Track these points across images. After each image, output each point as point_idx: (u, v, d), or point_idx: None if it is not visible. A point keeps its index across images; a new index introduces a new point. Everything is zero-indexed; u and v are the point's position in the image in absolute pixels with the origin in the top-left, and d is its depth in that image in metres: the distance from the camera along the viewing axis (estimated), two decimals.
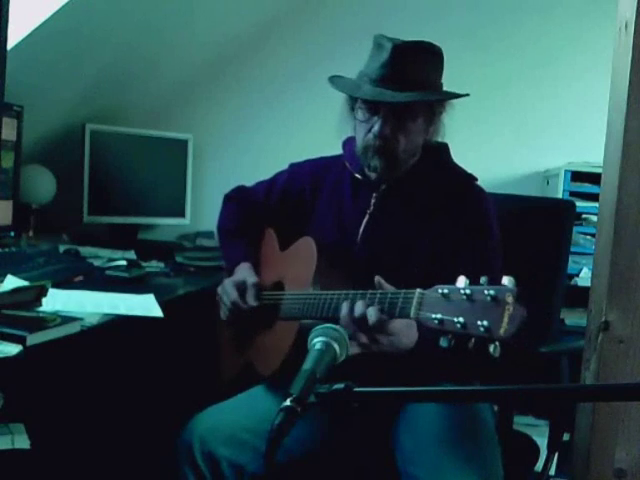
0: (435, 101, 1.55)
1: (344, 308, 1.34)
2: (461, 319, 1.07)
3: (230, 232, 1.85)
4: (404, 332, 1.34)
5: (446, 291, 1.12)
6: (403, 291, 1.26)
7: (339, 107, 1.62)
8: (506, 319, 1.03)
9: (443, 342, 1.10)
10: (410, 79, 1.50)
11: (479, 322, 1.05)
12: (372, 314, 1.29)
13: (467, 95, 1.55)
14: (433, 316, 1.12)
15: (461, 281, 1.10)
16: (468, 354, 1.08)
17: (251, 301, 1.61)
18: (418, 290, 1.20)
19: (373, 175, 1.62)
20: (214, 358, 1.82)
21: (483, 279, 1.07)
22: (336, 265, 1.56)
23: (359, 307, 1.31)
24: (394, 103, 1.50)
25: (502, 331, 1.03)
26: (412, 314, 1.20)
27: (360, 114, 1.56)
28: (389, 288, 1.30)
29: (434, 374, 1.46)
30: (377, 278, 1.31)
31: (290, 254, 1.68)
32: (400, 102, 1.49)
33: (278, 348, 1.52)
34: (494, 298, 1.04)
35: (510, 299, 1.04)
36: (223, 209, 1.91)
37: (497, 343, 1.05)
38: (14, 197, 2.34)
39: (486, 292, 1.05)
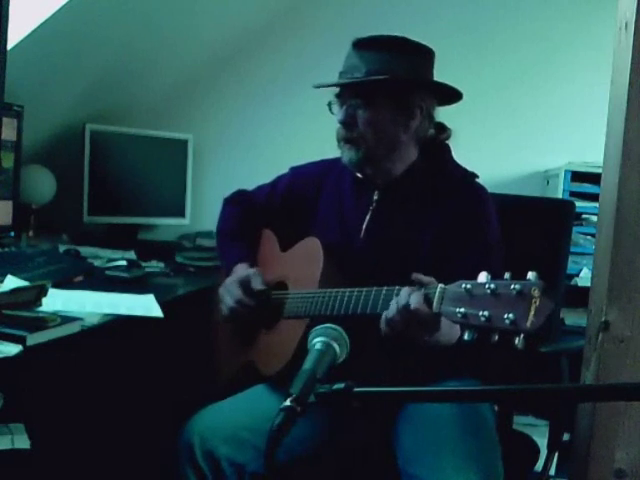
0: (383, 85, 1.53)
1: (401, 299, 1.29)
2: (486, 312, 1.09)
3: (228, 235, 1.85)
4: (449, 328, 1.30)
5: (469, 286, 1.14)
6: (424, 287, 1.26)
7: None
8: (532, 312, 1.06)
9: (467, 335, 1.12)
10: (369, 66, 1.52)
11: (505, 315, 1.07)
12: (415, 300, 1.25)
13: (417, 81, 1.55)
14: (457, 310, 1.13)
15: (483, 276, 1.13)
16: (490, 347, 1.10)
17: (258, 286, 1.61)
18: (440, 285, 1.22)
19: (352, 167, 1.62)
20: (212, 357, 1.82)
21: (507, 274, 1.10)
22: (340, 263, 1.57)
23: (414, 299, 1.26)
24: (340, 85, 1.56)
25: (529, 324, 1.05)
26: (435, 308, 1.21)
27: (334, 110, 1.60)
28: (428, 281, 1.27)
29: (440, 371, 1.47)
30: (414, 275, 1.28)
31: (294, 254, 1.69)
32: (344, 84, 1.55)
33: (284, 347, 1.52)
34: (520, 292, 1.07)
35: (536, 292, 1.06)
36: (222, 212, 1.91)
37: (522, 336, 1.07)
38: (14, 197, 2.34)
39: (512, 286, 1.07)
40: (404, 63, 1.54)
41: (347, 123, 1.56)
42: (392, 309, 1.30)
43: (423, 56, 1.58)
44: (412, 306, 1.25)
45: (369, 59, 1.53)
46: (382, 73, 1.52)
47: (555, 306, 1.08)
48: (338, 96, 1.59)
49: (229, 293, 1.65)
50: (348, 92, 1.57)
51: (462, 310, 1.13)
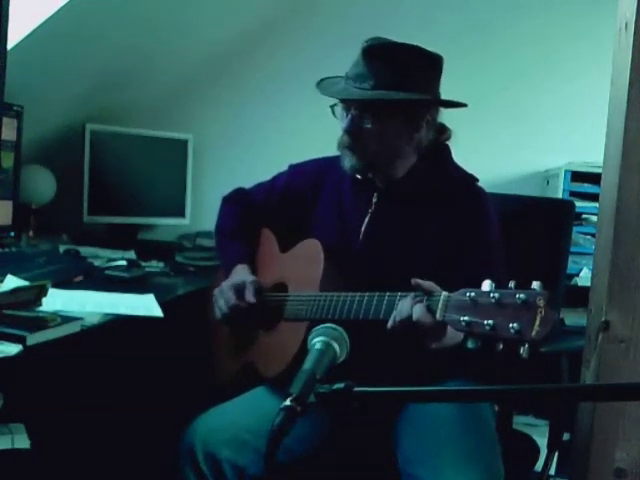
0: (397, 102, 1.50)
1: (403, 311, 1.30)
2: (490, 321, 1.10)
3: (227, 233, 1.84)
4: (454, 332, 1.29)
5: (473, 294, 1.14)
6: (426, 296, 1.26)
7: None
8: (538, 321, 1.07)
9: (470, 344, 1.13)
10: (378, 78, 1.49)
11: (510, 324, 1.08)
12: (418, 311, 1.27)
13: (427, 99, 1.53)
14: (461, 318, 1.14)
15: (486, 285, 1.13)
16: (494, 355, 1.11)
17: (250, 298, 1.60)
18: (444, 293, 1.22)
19: (353, 172, 1.60)
20: (212, 358, 1.82)
21: (511, 283, 1.10)
22: (339, 265, 1.56)
23: (405, 306, 1.29)
24: (352, 100, 1.52)
25: (534, 333, 1.07)
26: (438, 316, 1.22)
27: (338, 113, 1.58)
28: (429, 286, 1.27)
29: (440, 372, 1.47)
30: (414, 280, 1.28)
31: (294, 255, 1.68)
32: (355, 99, 1.52)
33: (284, 349, 1.52)
34: (525, 302, 1.08)
35: (542, 302, 1.07)
36: (221, 210, 1.90)
37: (526, 345, 1.08)
38: (14, 197, 2.34)
39: (517, 296, 1.08)
40: (413, 77, 1.51)
41: (352, 133, 1.54)
42: (395, 321, 1.31)
43: (432, 67, 1.55)
44: (414, 317, 1.26)
45: (378, 71, 1.49)
46: (391, 87, 1.48)
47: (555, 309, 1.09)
48: (343, 101, 1.57)
49: (223, 297, 1.64)
50: (354, 101, 1.54)
51: (466, 318, 1.13)
